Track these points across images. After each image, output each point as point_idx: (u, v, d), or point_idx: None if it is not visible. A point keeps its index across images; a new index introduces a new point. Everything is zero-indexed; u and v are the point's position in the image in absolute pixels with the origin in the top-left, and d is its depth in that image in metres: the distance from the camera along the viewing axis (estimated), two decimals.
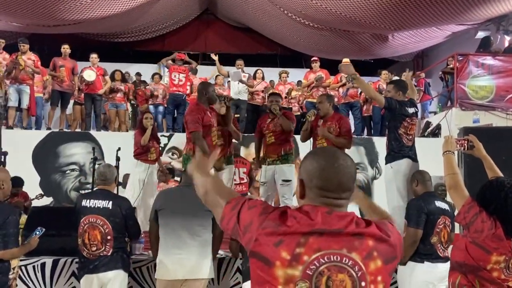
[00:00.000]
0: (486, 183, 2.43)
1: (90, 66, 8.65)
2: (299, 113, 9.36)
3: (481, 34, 9.74)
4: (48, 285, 3.77)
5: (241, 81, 8.70)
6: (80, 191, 7.40)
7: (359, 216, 1.39)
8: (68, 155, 7.74)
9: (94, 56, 8.72)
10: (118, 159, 5.52)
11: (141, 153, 5.45)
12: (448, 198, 2.99)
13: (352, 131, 6.61)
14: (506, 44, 9.58)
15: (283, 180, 5.05)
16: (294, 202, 5.01)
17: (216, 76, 9.77)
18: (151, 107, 9.06)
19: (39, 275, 3.77)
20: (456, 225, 3.41)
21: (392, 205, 4.27)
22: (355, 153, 7.84)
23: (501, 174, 2.66)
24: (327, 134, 4.77)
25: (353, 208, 3.84)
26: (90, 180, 6.40)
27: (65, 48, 8.43)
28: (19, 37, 8.92)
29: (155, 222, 3.46)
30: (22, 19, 9.84)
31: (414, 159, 4.34)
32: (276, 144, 5.12)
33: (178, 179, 6.46)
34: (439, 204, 3.48)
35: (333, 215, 1.32)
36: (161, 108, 9.14)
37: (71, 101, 9.05)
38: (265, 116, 5.42)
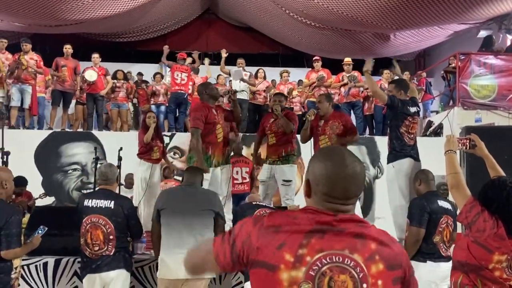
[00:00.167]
0: (488, 182, 2.43)
1: (92, 66, 8.68)
2: (300, 113, 9.35)
3: (483, 33, 9.73)
4: (50, 284, 3.78)
5: (242, 79, 8.70)
6: (82, 191, 7.41)
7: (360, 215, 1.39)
8: (70, 155, 7.76)
9: (95, 56, 8.74)
10: (120, 158, 5.53)
11: (145, 152, 5.45)
12: (450, 198, 2.99)
13: None
14: (508, 43, 9.56)
15: (284, 180, 5.06)
16: (296, 202, 5.02)
17: (218, 76, 9.78)
18: (153, 106, 9.07)
19: (41, 274, 3.78)
20: (459, 224, 3.40)
21: (394, 205, 4.27)
22: (357, 152, 7.83)
23: (503, 173, 2.65)
24: (338, 141, 4.75)
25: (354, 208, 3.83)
26: (92, 180, 6.42)
27: (67, 48, 8.45)
28: (22, 37, 8.95)
29: (157, 221, 3.46)
30: (24, 19, 9.86)
31: (416, 158, 4.33)
32: (277, 145, 5.13)
33: (180, 178, 6.48)
34: (441, 203, 3.48)
35: (338, 217, 1.32)
36: (163, 108, 9.15)
37: (73, 101, 9.07)
38: (268, 116, 5.43)
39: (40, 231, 3.10)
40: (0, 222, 2.88)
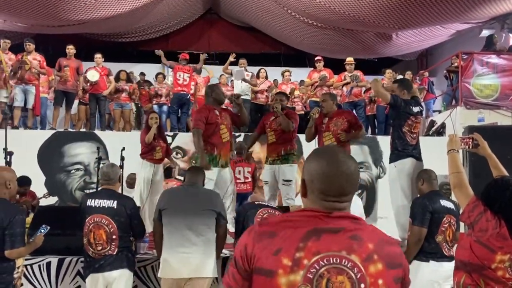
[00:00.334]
0: (491, 181, 2.42)
1: (94, 66, 8.70)
2: (302, 112, 9.35)
3: (485, 33, 9.70)
4: (53, 284, 3.79)
5: (244, 79, 8.70)
6: (85, 191, 7.43)
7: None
8: (73, 155, 7.78)
9: (98, 56, 8.76)
10: (122, 158, 5.54)
11: (147, 152, 5.47)
12: (453, 197, 2.98)
13: None
14: (511, 43, 9.53)
15: (284, 180, 5.07)
16: (297, 202, 5.02)
17: (220, 76, 9.78)
18: (155, 106, 9.09)
19: (44, 274, 3.79)
20: (462, 224, 3.40)
21: (396, 204, 4.27)
22: (359, 152, 7.83)
23: (506, 173, 2.64)
24: (345, 137, 4.80)
25: (355, 207, 3.84)
26: (95, 179, 6.43)
27: (69, 49, 8.49)
28: (25, 37, 8.96)
29: (159, 221, 3.47)
30: (27, 20, 9.88)
31: (418, 158, 4.33)
32: (277, 143, 5.14)
33: (181, 178, 6.49)
34: (444, 203, 3.47)
35: (333, 215, 1.33)
36: (165, 108, 9.16)
37: (76, 101, 9.09)
38: (269, 114, 5.45)
39: (42, 230, 3.11)
40: (4, 222, 2.89)
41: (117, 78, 8.98)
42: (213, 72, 9.85)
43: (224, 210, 3.61)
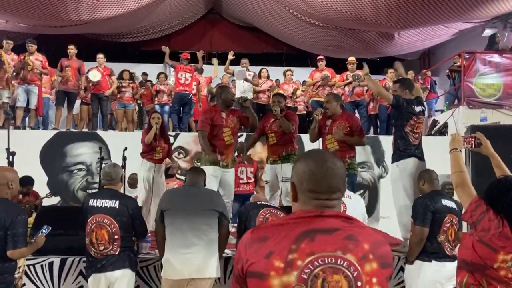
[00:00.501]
0: (494, 181, 2.41)
1: (97, 67, 8.72)
2: (304, 112, 9.35)
3: (488, 32, 9.68)
4: (56, 284, 3.79)
5: (246, 79, 8.69)
6: (87, 191, 7.45)
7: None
8: (75, 155, 7.79)
9: (100, 57, 8.79)
10: (124, 158, 5.55)
11: (147, 151, 5.47)
12: (455, 197, 2.98)
13: None
14: None
15: (285, 177, 5.07)
16: None
17: (222, 75, 9.78)
18: (156, 106, 9.09)
19: (47, 274, 3.79)
20: (464, 223, 3.39)
21: (399, 204, 4.26)
22: (361, 152, 7.81)
23: (509, 172, 2.64)
24: (346, 138, 4.78)
25: (358, 207, 3.83)
26: (97, 179, 6.44)
27: (70, 49, 8.51)
28: (27, 38, 9.00)
29: (160, 222, 3.46)
30: (30, 20, 9.90)
31: (421, 158, 4.32)
32: (277, 145, 5.14)
33: (183, 178, 6.49)
34: (445, 202, 3.47)
35: (325, 214, 1.34)
36: (167, 108, 9.17)
37: (78, 101, 9.11)
38: (269, 116, 5.44)
39: (44, 231, 3.11)
40: (6, 222, 2.89)
41: (120, 78, 9.00)
42: (217, 72, 9.85)
43: (226, 210, 3.61)
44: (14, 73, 8.03)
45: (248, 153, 6.17)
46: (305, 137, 5.82)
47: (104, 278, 3.38)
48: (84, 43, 10.99)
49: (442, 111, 9.82)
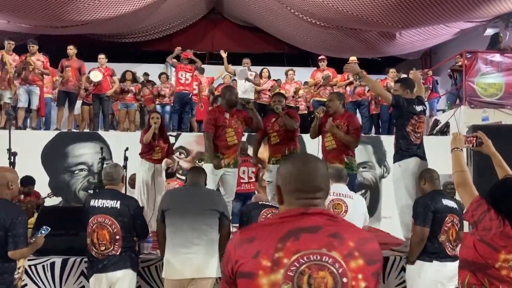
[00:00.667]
0: (497, 182, 2.40)
1: (98, 67, 8.72)
2: (306, 112, 9.34)
3: (489, 31, 9.66)
4: (57, 284, 3.79)
5: (247, 79, 8.69)
6: (89, 191, 7.45)
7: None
8: (77, 155, 7.80)
9: (102, 57, 8.79)
10: (126, 159, 5.55)
11: (146, 151, 5.46)
12: (457, 197, 2.97)
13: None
14: None
15: None
16: None
17: (224, 75, 9.78)
18: (158, 106, 9.10)
19: (48, 274, 3.79)
20: (466, 223, 3.38)
21: (401, 204, 4.25)
22: (362, 151, 7.82)
23: (510, 172, 2.63)
24: (335, 130, 4.77)
25: (359, 207, 3.81)
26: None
27: (69, 49, 8.51)
28: (28, 38, 9.02)
29: (161, 222, 3.46)
30: (32, 21, 9.92)
31: (423, 157, 4.31)
32: (280, 144, 5.14)
33: (184, 178, 6.48)
34: (446, 202, 3.46)
35: (310, 212, 1.38)
36: (168, 108, 9.18)
37: (79, 102, 9.12)
38: (269, 116, 5.44)
39: (43, 232, 3.12)
40: (6, 222, 2.90)
41: (123, 79, 9.00)
42: (224, 72, 9.82)
43: (227, 209, 3.61)
44: (16, 74, 8.04)
45: (256, 155, 6.12)
46: (306, 137, 5.81)
47: (105, 279, 3.38)
48: (85, 43, 11.01)
49: (443, 110, 9.81)
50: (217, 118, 4.72)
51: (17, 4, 8.89)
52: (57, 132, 8.06)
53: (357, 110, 8.91)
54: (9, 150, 5.15)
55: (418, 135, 4.31)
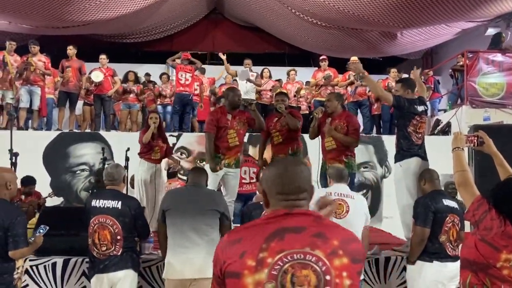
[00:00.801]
0: (500, 182, 2.39)
1: (99, 67, 8.72)
2: (307, 112, 9.34)
3: (491, 31, 9.64)
4: (59, 284, 3.79)
5: (248, 80, 8.69)
6: (90, 191, 7.45)
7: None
8: (78, 156, 7.81)
9: (103, 57, 8.80)
10: (127, 159, 5.55)
11: (145, 151, 5.46)
12: (459, 197, 2.96)
13: (361, 129, 6.58)
14: None
15: None
16: None
17: (225, 76, 9.78)
18: (159, 107, 9.10)
19: (50, 274, 3.79)
20: (467, 223, 3.37)
21: (402, 204, 4.25)
22: (364, 151, 7.81)
23: None
24: (334, 133, 4.77)
25: (361, 207, 3.81)
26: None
27: (69, 49, 8.51)
28: (29, 39, 9.01)
29: (162, 222, 3.46)
30: (33, 21, 9.93)
31: (424, 157, 4.31)
32: (283, 143, 5.14)
33: (185, 178, 6.48)
34: (447, 202, 3.45)
35: (294, 212, 1.42)
36: (169, 108, 9.19)
37: (81, 102, 9.13)
38: (272, 116, 5.44)
39: (41, 231, 3.13)
40: (5, 223, 2.90)
41: (125, 79, 9.00)
42: (224, 73, 9.82)
43: (228, 210, 3.61)
44: (17, 74, 8.05)
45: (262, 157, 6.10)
46: (307, 137, 5.80)
47: (106, 279, 3.39)
48: (86, 44, 11.01)
49: (445, 110, 9.80)
50: (219, 119, 4.73)
51: (19, 5, 8.90)
52: (58, 132, 8.07)
53: (359, 110, 8.90)
54: (10, 150, 5.15)
55: (420, 135, 4.31)
